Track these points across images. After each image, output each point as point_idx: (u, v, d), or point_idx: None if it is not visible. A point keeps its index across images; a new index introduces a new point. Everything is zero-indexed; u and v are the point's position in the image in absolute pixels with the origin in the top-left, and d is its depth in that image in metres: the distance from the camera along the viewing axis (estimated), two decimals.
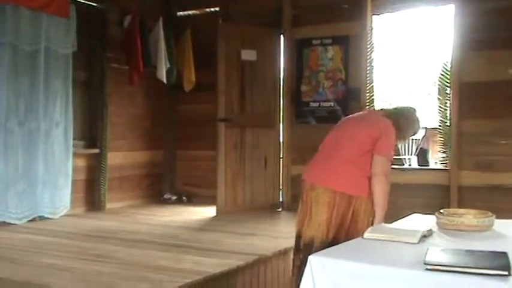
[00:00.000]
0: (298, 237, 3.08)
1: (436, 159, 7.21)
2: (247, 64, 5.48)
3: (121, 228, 4.55)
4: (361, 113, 3.46)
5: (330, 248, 2.22)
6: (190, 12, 6.20)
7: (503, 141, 4.63)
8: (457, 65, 4.82)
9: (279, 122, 5.77)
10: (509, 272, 1.61)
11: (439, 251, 1.86)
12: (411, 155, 8.45)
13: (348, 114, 5.28)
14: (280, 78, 5.74)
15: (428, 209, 2.78)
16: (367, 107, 5.30)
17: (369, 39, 5.27)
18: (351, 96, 5.33)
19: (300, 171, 5.57)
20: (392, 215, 2.94)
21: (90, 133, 5.50)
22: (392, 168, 3.11)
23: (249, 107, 5.53)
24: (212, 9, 6.04)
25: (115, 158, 5.61)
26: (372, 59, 5.30)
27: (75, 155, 5.17)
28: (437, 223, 2.49)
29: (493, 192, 4.64)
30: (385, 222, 2.75)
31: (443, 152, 5.19)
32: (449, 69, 4.91)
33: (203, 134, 5.95)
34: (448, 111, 4.95)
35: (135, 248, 3.76)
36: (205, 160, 5.99)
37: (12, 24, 4.56)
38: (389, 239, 2.17)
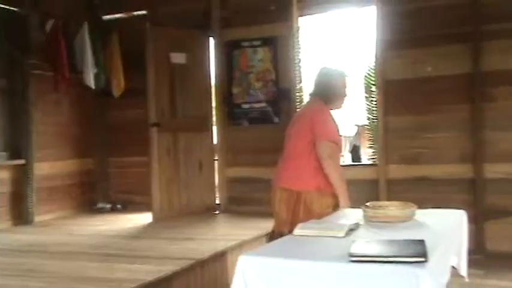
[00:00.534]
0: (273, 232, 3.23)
1: (367, 155, 7.47)
2: (178, 67, 5.44)
3: (51, 240, 4.39)
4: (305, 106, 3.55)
5: (260, 247, 2.25)
6: (116, 15, 6.07)
7: (429, 135, 4.85)
8: (381, 63, 5.01)
9: (212, 124, 5.77)
10: (425, 258, 1.70)
11: (363, 242, 1.93)
12: (345, 152, 8.70)
13: (280, 115, 5.43)
14: (211, 81, 5.74)
15: (359, 203, 2.87)
16: (298, 106, 5.40)
17: (296, 40, 5.38)
18: (282, 96, 5.41)
19: (235, 173, 5.68)
20: None
21: (14, 143, 5.25)
22: None
23: (180, 110, 5.48)
24: (139, 12, 5.94)
25: (42, 168, 5.40)
26: (300, 60, 5.41)
27: None
28: (364, 216, 2.58)
29: (419, 183, 4.86)
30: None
31: (372, 148, 5.38)
32: (373, 68, 5.09)
33: (135, 140, 5.84)
34: (374, 109, 5.13)
35: (65, 260, 3.64)
36: (139, 166, 5.88)
37: None
38: (318, 235, 2.23)
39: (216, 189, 5.80)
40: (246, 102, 5.56)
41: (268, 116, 5.46)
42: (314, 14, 5.44)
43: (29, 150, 5.23)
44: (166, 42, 5.35)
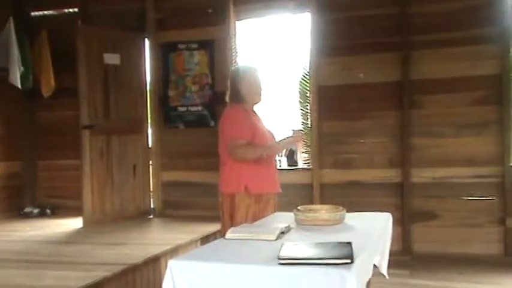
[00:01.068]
0: None
1: (302, 159, 7.60)
2: (111, 68, 5.31)
3: None
4: None
5: (190, 251, 2.23)
6: (46, 12, 5.86)
7: (360, 141, 5.01)
8: (315, 69, 5.12)
9: (147, 127, 5.67)
10: (352, 260, 1.75)
11: (292, 245, 1.96)
12: (281, 156, 8.78)
13: (216, 118, 5.42)
14: (146, 83, 5.65)
15: (294, 207, 2.93)
16: None
17: (233, 43, 5.40)
18: (218, 100, 5.40)
19: (170, 177, 5.61)
20: None
21: None
22: None
23: (114, 112, 5.36)
24: (70, 9, 5.77)
25: None
26: (237, 63, 5.43)
27: None
28: (296, 219, 2.62)
29: (350, 187, 5.01)
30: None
31: (306, 153, 5.47)
32: (308, 73, 5.20)
33: (66, 142, 5.66)
34: (308, 114, 5.23)
35: None
36: (70, 170, 5.70)
37: None
38: (249, 238, 2.24)
39: (151, 193, 5.71)
40: (182, 105, 5.52)
41: (204, 119, 5.45)
42: (250, 18, 5.48)
43: None
44: (99, 42, 5.21)
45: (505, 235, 4.60)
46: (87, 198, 5.11)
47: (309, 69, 5.17)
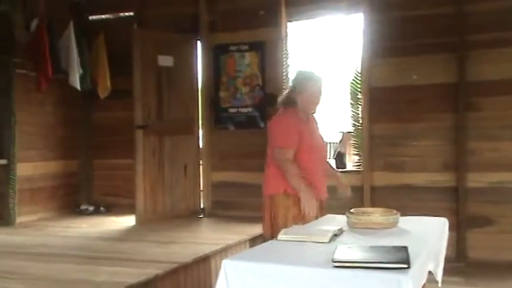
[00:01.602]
0: None
1: (352, 162, 7.50)
2: (164, 70, 5.42)
3: (32, 242, 4.33)
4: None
5: (244, 251, 2.25)
6: (103, 16, 6.05)
7: (414, 143, 4.90)
8: (367, 71, 5.05)
9: (198, 128, 5.76)
10: (408, 265, 1.71)
11: (346, 248, 1.94)
12: (329, 158, 8.70)
13: (266, 120, 5.43)
14: (198, 84, 5.73)
15: (344, 209, 2.91)
16: None
17: (284, 45, 5.40)
18: (268, 101, 5.42)
19: (220, 178, 5.67)
20: None
21: None
22: None
23: (167, 113, 5.46)
24: (126, 13, 5.93)
25: (25, 169, 5.33)
26: (288, 65, 5.44)
27: None
28: (348, 222, 2.60)
29: (402, 191, 4.90)
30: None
31: (357, 155, 5.40)
32: (359, 75, 5.13)
33: (120, 142, 5.81)
34: (359, 116, 5.16)
35: (47, 262, 3.59)
36: (124, 169, 5.85)
37: None
38: (302, 240, 2.24)
39: (201, 193, 5.78)
40: (232, 107, 5.57)
41: (254, 120, 5.47)
42: (302, 19, 5.47)
43: (11, 150, 5.16)
44: (153, 44, 5.33)
45: None
46: (140, 197, 5.23)
47: (361, 70, 5.10)
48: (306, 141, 3.14)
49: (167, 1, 5.71)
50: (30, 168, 5.44)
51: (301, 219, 2.99)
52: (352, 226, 2.56)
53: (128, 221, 5.27)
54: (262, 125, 5.43)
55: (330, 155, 8.71)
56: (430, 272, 2.57)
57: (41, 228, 5.00)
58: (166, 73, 5.44)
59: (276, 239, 2.31)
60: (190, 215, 5.59)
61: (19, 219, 5.19)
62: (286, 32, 5.42)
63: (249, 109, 5.50)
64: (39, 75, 5.16)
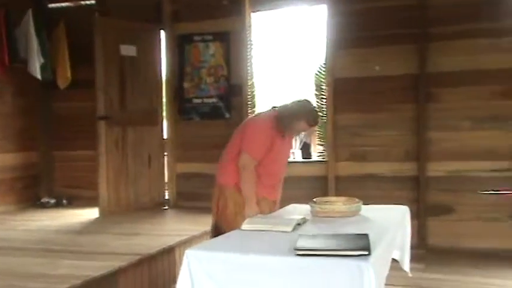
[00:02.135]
0: None
1: (317, 152, 7.58)
2: (127, 60, 5.33)
3: None
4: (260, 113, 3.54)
5: (206, 241, 2.24)
6: (63, 4, 5.88)
7: (377, 133, 4.97)
8: (330, 62, 5.08)
9: (162, 119, 5.70)
10: (369, 252, 1.74)
11: (309, 237, 1.96)
12: (295, 149, 8.78)
13: (231, 110, 5.43)
14: (162, 75, 5.66)
15: (308, 199, 2.94)
16: (249, 102, 5.42)
17: (248, 36, 5.38)
18: (233, 92, 5.41)
19: (185, 169, 5.63)
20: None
21: None
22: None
23: (130, 104, 5.38)
24: (87, 1, 5.79)
25: None
26: (252, 56, 5.42)
27: None
28: (311, 211, 2.62)
29: (366, 180, 4.98)
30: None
31: (322, 145, 5.45)
32: (323, 66, 5.16)
33: (82, 133, 5.71)
34: (324, 106, 5.20)
35: (6, 256, 3.51)
36: (86, 160, 5.75)
37: None
38: (265, 229, 2.24)
39: (165, 185, 5.74)
40: (197, 97, 5.53)
41: (219, 111, 5.45)
42: (266, 10, 5.46)
43: None
44: (115, 34, 5.23)
45: None
46: (103, 189, 5.15)
47: (325, 61, 5.13)
48: (271, 155, 3.16)
49: None
50: None
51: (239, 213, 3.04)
52: (316, 215, 2.58)
53: (90, 213, 5.19)
54: (227, 115, 5.42)
55: (296, 145, 8.79)
56: (396, 261, 2.63)
57: (1, 222, 4.87)
58: (129, 63, 5.35)
59: (240, 229, 2.31)
60: (155, 207, 5.54)
61: None
62: (250, 22, 5.40)
63: (214, 100, 5.47)
64: None
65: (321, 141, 5.42)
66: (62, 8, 5.89)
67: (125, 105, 5.34)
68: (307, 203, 2.96)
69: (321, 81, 5.23)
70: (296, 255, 1.78)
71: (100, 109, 5.13)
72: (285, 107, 3.21)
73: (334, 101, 5.09)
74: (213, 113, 5.48)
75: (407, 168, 4.87)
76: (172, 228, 4.67)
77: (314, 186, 5.07)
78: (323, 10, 5.10)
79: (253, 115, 3.45)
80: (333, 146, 5.10)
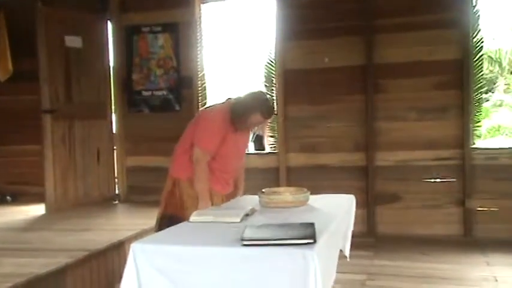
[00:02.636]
0: None
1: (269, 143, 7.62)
2: (73, 51, 5.18)
3: None
4: (213, 105, 3.42)
5: (153, 234, 2.22)
6: None
7: (328, 125, 5.04)
8: (280, 53, 5.11)
9: (111, 112, 5.58)
10: (314, 240, 1.76)
11: (255, 227, 1.97)
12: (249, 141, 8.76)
13: (182, 102, 5.37)
14: (110, 66, 5.54)
15: (259, 190, 2.94)
16: (200, 94, 5.38)
17: (198, 27, 5.33)
18: (184, 84, 5.36)
19: (135, 162, 5.54)
20: None
21: None
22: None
23: (77, 97, 5.24)
24: None
25: None
26: (203, 47, 5.38)
27: None
28: (260, 202, 2.63)
29: (316, 171, 5.05)
30: None
31: (272, 137, 5.48)
32: (273, 57, 5.18)
33: (26, 128, 5.52)
34: (274, 98, 5.22)
35: None
36: (31, 155, 5.58)
37: None
38: (214, 221, 2.24)
39: (115, 179, 5.63)
40: (146, 89, 5.45)
41: (169, 103, 5.39)
42: (216, 1, 5.42)
43: None
44: (60, 24, 5.06)
45: (464, 216, 4.73)
46: (50, 185, 5.00)
47: (274, 53, 5.15)
48: (224, 149, 3.12)
49: None
50: None
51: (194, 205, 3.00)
52: (265, 206, 2.60)
53: (37, 210, 5.04)
54: (177, 107, 5.36)
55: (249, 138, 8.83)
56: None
57: None
58: (74, 54, 5.20)
59: (188, 221, 2.30)
60: (105, 202, 5.44)
61: None
62: (200, 13, 5.35)
63: (164, 92, 5.40)
64: None
65: (272, 133, 5.45)
66: None
67: (71, 98, 5.20)
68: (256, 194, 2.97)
69: (271, 73, 5.24)
70: (242, 246, 1.78)
71: (45, 102, 4.96)
72: (238, 99, 3.15)
73: (285, 93, 5.13)
74: (163, 106, 5.41)
75: (356, 159, 4.98)
76: (123, 222, 4.61)
77: (266, 178, 5.09)
78: (272, 2, 5.11)
79: (207, 107, 3.38)
80: (284, 138, 5.15)
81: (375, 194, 4.92)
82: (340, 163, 5.02)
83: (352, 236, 2.85)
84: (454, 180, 4.76)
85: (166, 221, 3.00)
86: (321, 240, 1.83)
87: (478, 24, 4.71)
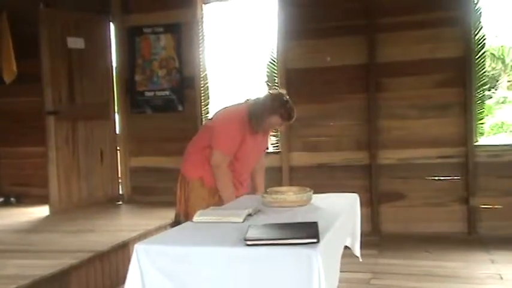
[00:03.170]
0: None
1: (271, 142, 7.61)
2: (76, 53, 5.19)
3: None
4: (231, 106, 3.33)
5: (156, 235, 2.22)
6: None
7: (331, 123, 5.04)
8: (282, 53, 5.11)
9: (114, 112, 5.59)
10: (317, 239, 1.76)
11: (259, 227, 1.97)
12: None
13: (184, 103, 5.38)
14: (112, 67, 5.55)
15: (264, 189, 2.95)
16: (203, 95, 5.38)
17: (200, 27, 5.34)
18: (186, 84, 5.37)
19: (138, 163, 5.55)
20: None
21: None
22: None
23: (80, 98, 5.25)
24: None
25: None
26: (205, 47, 5.38)
27: None
28: (263, 202, 2.63)
29: (319, 170, 5.05)
30: None
31: (275, 136, 5.47)
32: (275, 57, 5.18)
33: (30, 129, 5.54)
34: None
35: None
36: (34, 157, 5.59)
37: None
38: (216, 221, 2.23)
39: (119, 180, 5.64)
40: (149, 90, 5.45)
41: (172, 104, 5.40)
42: (218, 1, 5.42)
43: None
44: (62, 25, 5.08)
45: (468, 213, 4.72)
46: (53, 186, 5.02)
47: (276, 52, 5.15)
48: (239, 152, 3.08)
49: None
50: None
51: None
52: (268, 205, 2.59)
53: (41, 211, 5.05)
54: (180, 108, 5.37)
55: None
56: (348, 248, 2.67)
57: None
58: (77, 56, 5.21)
59: (191, 221, 2.30)
60: (109, 202, 5.46)
61: None
62: (202, 13, 5.36)
63: (167, 92, 5.41)
64: None
65: (274, 132, 5.44)
66: None
67: (74, 100, 5.21)
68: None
69: (273, 73, 5.24)
70: (246, 246, 1.78)
71: (48, 104, 4.98)
72: (257, 100, 3.10)
73: (287, 92, 5.06)
74: (165, 106, 5.42)
75: (359, 157, 4.97)
76: (127, 223, 4.62)
77: (269, 177, 4.96)
78: (274, 2, 5.11)
79: (224, 108, 3.27)
80: (286, 137, 5.14)
81: (378, 192, 4.92)
82: (343, 162, 5.02)
83: None
84: (458, 178, 4.75)
85: (181, 220, 3.00)
86: (325, 239, 1.83)
87: (480, 22, 4.70)
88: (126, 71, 5.50)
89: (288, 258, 1.72)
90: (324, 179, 4.95)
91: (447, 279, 3.63)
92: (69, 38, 5.12)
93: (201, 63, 5.36)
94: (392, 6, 4.82)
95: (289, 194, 2.62)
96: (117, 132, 5.61)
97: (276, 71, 5.21)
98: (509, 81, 17.99)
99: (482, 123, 4.94)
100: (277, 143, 5.36)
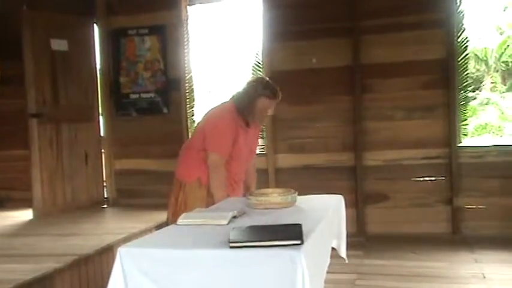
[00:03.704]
0: None
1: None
2: (59, 55, 5.14)
3: None
4: (218, 105, 3.33)
5: (140, 238, 2.20)
6: None
7: (317, 125, 5.05)
8: (267, 55, 5.11)
9: (98, 115, 5.55)
10: (301, 241, 1.76)
11: (243, 229, 1.96)
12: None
13: (169, 105, 5.35)
14: (96, 69, 5.51)
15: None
16: (188, 97, 5.37)
17: (185, 29, 5.32)
18: (171, 86, 5.34)
19: (123, 166, 5.52)
20: None
21: None
22: None
23: (64, 100, 5.20)
24: None
25: None
26: (190, 49, 5.37)
27: None
28: (248, 204, 2.62)
29: (305, 171, 5.06)
30: None
31: (261, 138, 5.47)
32: (261, 59, 5.18)
33: (12, 132, 5.46)
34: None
35: None
36: (17, 160, 5.51)
37: None
38: (201, 223, 2.23)
39: (104, 183, 5.60)
40: (133, 92, 5.42)
41: (157, 106, 5.37)
42: (203, 3, 5.41)
43: None
44: (45, 27, 5.01)
45: (452, 214, 4.76)
46: (37, 189, 4.95)
47: (262, 54, 5.16)
48: (235, 149, 3.10)
49: None
50: None
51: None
52: (253, 207, 2.59)
53: (24, 215, 4.99)
54: (165, 110, 5.35)
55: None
56: (334, 249, 2.68)
57: None
58: (61, 58, 5.16)
59: (176, 224, 2.29)
60: (93, 206, 5.40)
61: None
62: (187, 15, 5.34)
63: (151, 94, 5.38)
64: None
65: (260, 134, 5.44)
66: None
67: (58, 102, 5.15)
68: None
69: (259, 74, 5.24)
70: (230, 248, 1.78)
71: (31, 106, 4.92)
72: (239, 92, 3.13)
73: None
74: (151, 108, 5.39)
75: (345, 159, 4.99)
76: (112, 226, 4.57)
77: None
78: (259, 3, 5.11)
79: (212, 108, 3.26)
80: (272, 139, 5.15)
81: (363, 193, 4.94)
82: (328, 163, 5.03)
83: None
84: (442, 179, 4.79)
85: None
86: (309, 241, 1.83)
87: (463, 24, 4.76)
88: (111, 73, 5.47)
89: (272, 260, 1.72)
90: (309, 181, 4.96)
91: (432, 279, 3.66)
92: (52, 39, 5.06)
93: (186, 65, 5.35)
94: (377, 8, 4.86)
95: (273, 195, 2.62)
96: (102, 134, 5.56)
97: (261, 73, 5.21)
98: (492, 82, 18.21)
99: (466, 125, 4.99)
100: (263, 145, 5.36)
